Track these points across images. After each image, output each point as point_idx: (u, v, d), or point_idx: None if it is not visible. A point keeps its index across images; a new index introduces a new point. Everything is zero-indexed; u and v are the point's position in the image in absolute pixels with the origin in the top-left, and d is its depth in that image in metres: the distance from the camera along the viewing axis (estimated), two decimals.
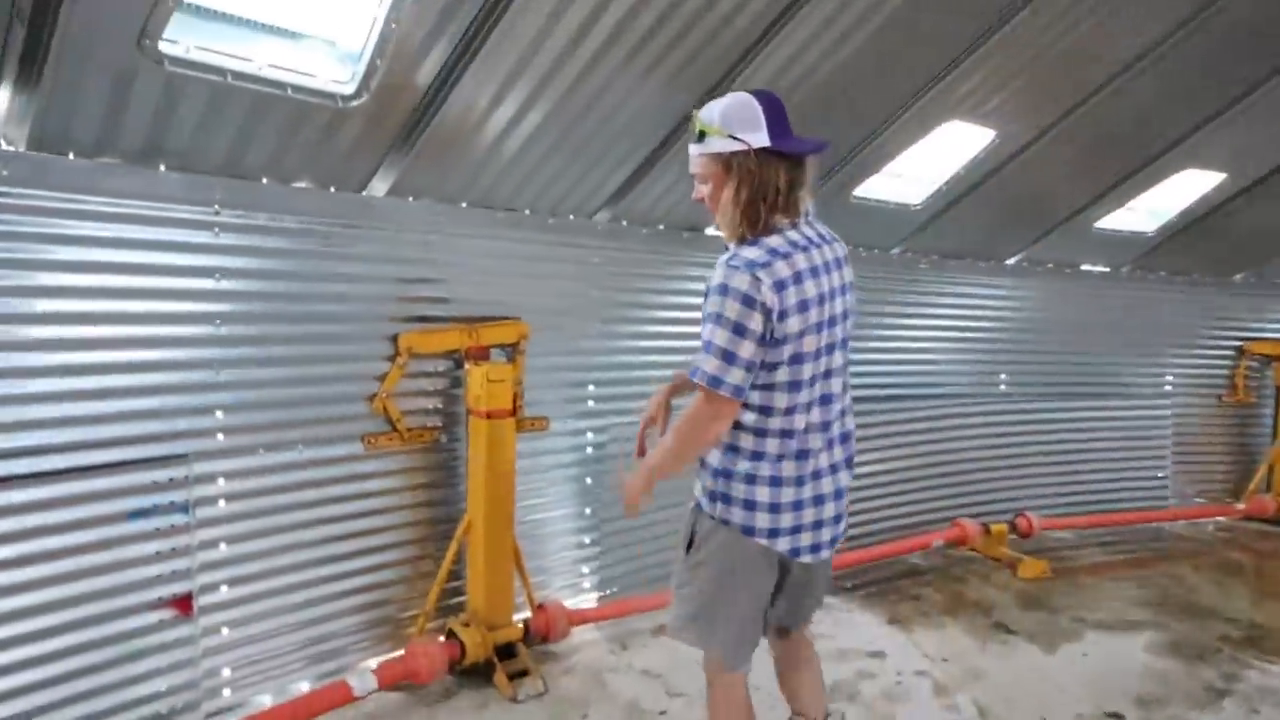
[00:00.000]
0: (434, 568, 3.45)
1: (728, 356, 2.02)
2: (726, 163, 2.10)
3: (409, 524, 3.43)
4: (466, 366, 3.38)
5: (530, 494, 3.75)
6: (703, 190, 2.19)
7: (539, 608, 3.53)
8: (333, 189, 3.12)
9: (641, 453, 2.35)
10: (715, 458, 2.18)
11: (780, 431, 2.12)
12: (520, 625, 3.45)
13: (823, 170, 3.94)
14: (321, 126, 2.87)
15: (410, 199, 3.30)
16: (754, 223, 2.10)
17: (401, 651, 3.24)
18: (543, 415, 3.73)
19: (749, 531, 2.16)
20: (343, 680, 2.98)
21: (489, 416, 3.29)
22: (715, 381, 2.03)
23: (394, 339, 3.25)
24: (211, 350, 2.88)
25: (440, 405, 3.47)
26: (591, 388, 3.96)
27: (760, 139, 2.07)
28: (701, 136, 2.13)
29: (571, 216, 3.81)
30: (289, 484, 3.09)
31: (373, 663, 3.19)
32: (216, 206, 2.85)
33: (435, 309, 3.40)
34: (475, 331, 3.41)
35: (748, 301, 2.00)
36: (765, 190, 2.09)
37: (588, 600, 3.96)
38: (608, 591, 3.99)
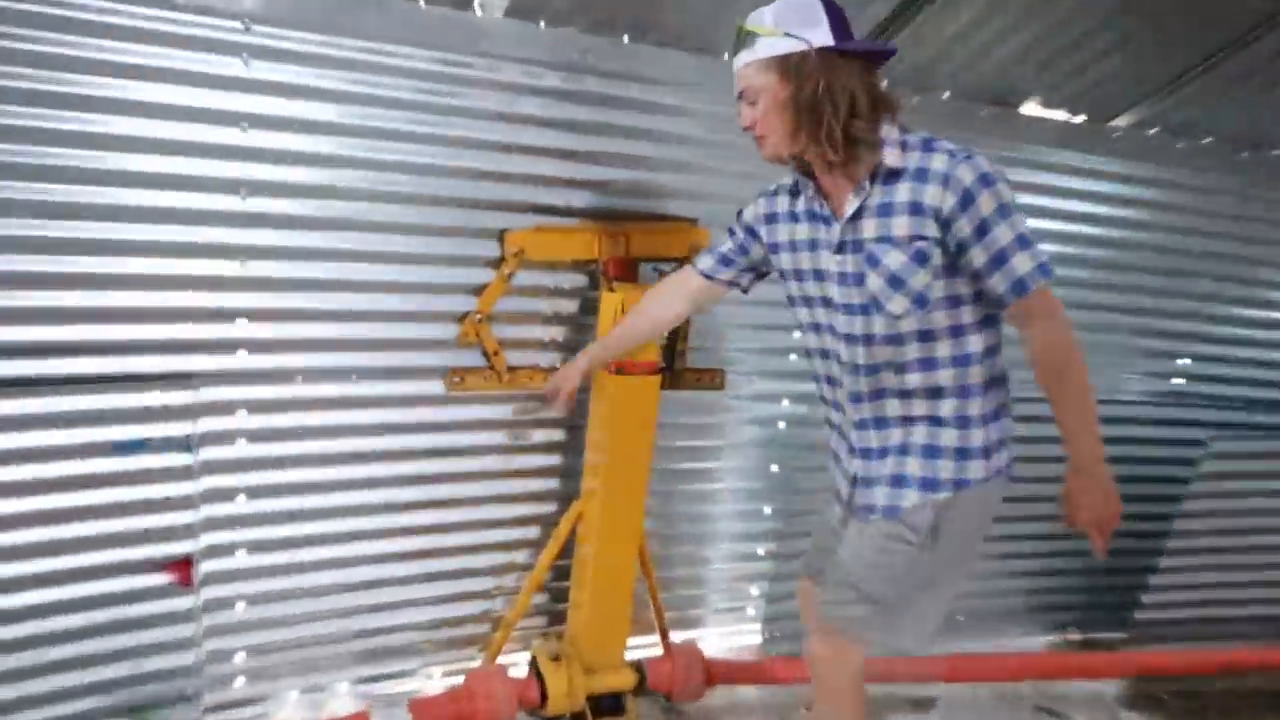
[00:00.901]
0: (531, 562, 2.51)
1: (1025, 240, 1.61)
2: (783, 67, 1.66)
3: (501, 498, 2.48)
4: (601, 288, 2.30)
5: (680, 479, 2.67)
6: (750, 114, 1.72)
7: (668, 649, 2.51)
8: (423, 2, 2.03)
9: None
10: (950, 406, 1.69)
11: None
12: (635, 670, 2.43)
13: None
14: None
15: (542, 23, 2.12)
16: (820, 139, 1.63)
17: (460, 678, 2.34)
18: (717, 368, 2.57)
19: (1007, 470, 1.78)
20: (364, 713, 2.22)
21: (620, 370, 2.19)
22: (1046, 270, 1.62)
23: (500, 236, 2.22)
24: (233, 231, 1.99)
25: (565, 337, 2.42)
26: (798, 335, 2.56)
27: (823, 36, 1.65)
28: (750, 40, 1.69)
29: None
30: (336, 427, 2.23)
31: (427, 676, 2.45)
32: (245, 20, 1.86)
33: (567, 195, 2.28)
34: (622, 235, 2.28)
35: (1004, 179, 1.62)
36: (835, 95, 1.63)
37: (749, 638, 2.87)
38: (777, 633, 2.85)
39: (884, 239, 1.65)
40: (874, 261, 1.66)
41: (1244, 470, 2.97)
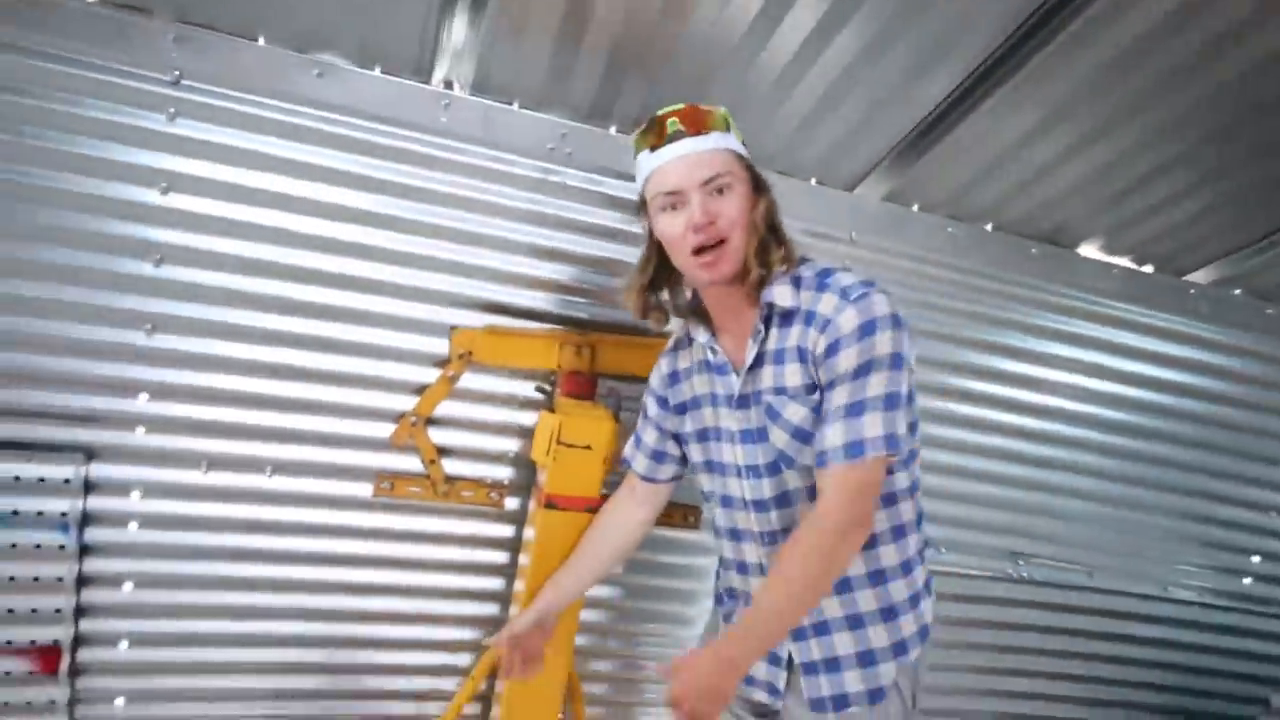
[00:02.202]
0: (457, 691, 2.10)
1: (891, 402, 1.33)
2: (752, 171, 1.46)
3: (432, 619, 2.08)
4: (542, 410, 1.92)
5: (637, 640, 2.24)
6: (714, 209, 1.38)
7: None
8: (377, 69, 1.75)
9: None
10: (890, 554, 1.44)
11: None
12: None
13: None
14: None
15: (516, 104, 1.82)
16: (766, 259, 1.43)
17: None
18: (691, 504, 2.14)
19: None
20: None
21: (552, 504, 1.82)
22: (892, 442, 1.33)
23: (450, 333, 1.91)
24: (143, 299, 1.71)
25: (519, 451, 2.03)
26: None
27: None
28: (727, 126, 1.44)
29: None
30: (247, 521, 1.89)
31: None
32: (176, 73, 1.63)
33: (528, 296, 1.93)
34: (586, 346, 1.93)
35: (896, 324, 1.36)
36: (775, 214, 1.47)
37: None
38: None
39: (780, 390, 1.41)
40: (773, 415, 1.42)
41: None
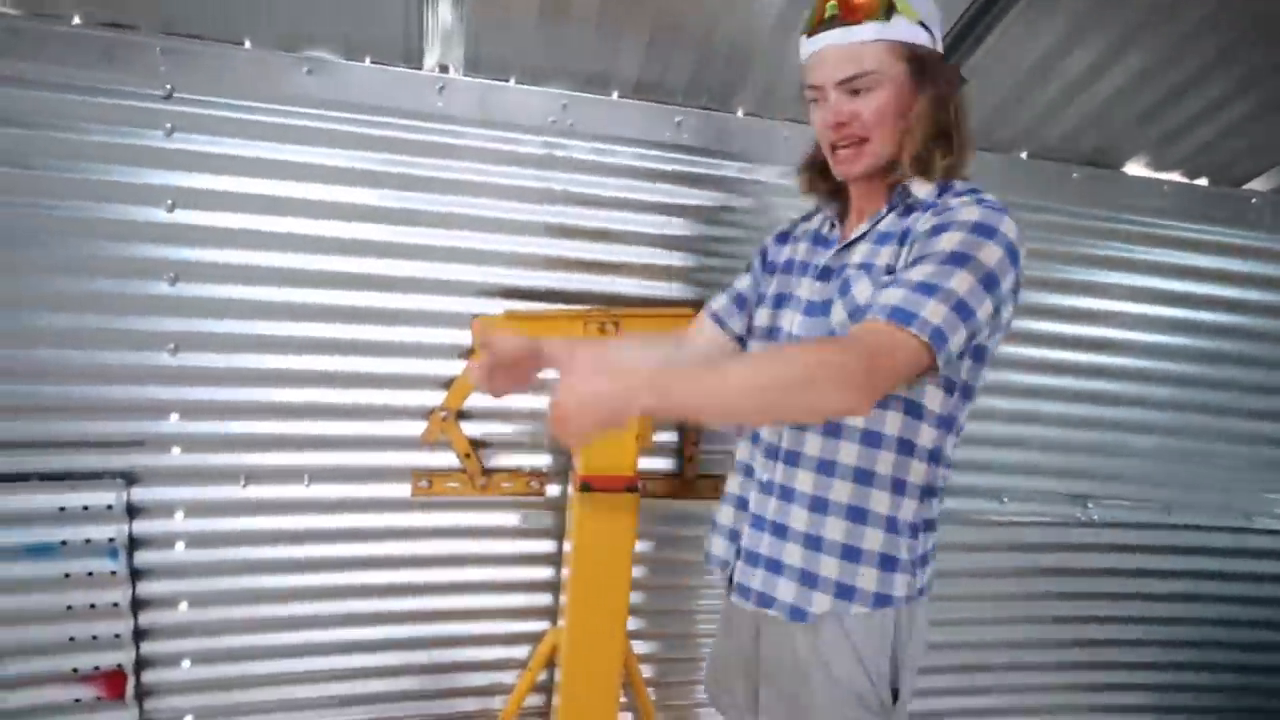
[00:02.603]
0: (514, 685, 2.06)
1: (963, 310, 1.09)
2: (920, 62, 1.21)
3: (482, 613, 2.03)
4: None
5: (688, 616, 2.14)
6: (854, 107, 1.21)
7: None
8: (367, 59, 1.69)
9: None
10: (905, 507, 1.23)
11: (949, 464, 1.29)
12: None
13: None
14: None
15: (512, 80, 1.74)
16: (945, 158, 1.22)
17: None
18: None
19: (928, 589, 1.31)
20: None
21: (587, 486, 1.75)
22: (938, 336, 1.07)
23: (471, 323, 1.84)
24: (163, 319, 1.69)
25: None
26: None
27: (939, 42, 1.24)
28: (887, 11, 1.19)
29: None
30: (289, 532, 1.85)
31: None
32: (168, 87, 1.59)
33: (550, 278, 1.84)
34: (610, 323, 1.84)
35: (1012, 255, 1.13)
36: (961, 115, 1.23)
37: None
38: None
39: (863, 265, 1.24)
40: (844, 290, 1.24)
41: None
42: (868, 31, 1.18)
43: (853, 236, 1.28)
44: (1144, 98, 1.83)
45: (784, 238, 1.46)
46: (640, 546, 1.98)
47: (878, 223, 1.25)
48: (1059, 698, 2.41)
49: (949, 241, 1.11)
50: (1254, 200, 2.09)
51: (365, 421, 1.84)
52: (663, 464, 2.01)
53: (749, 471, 1.35)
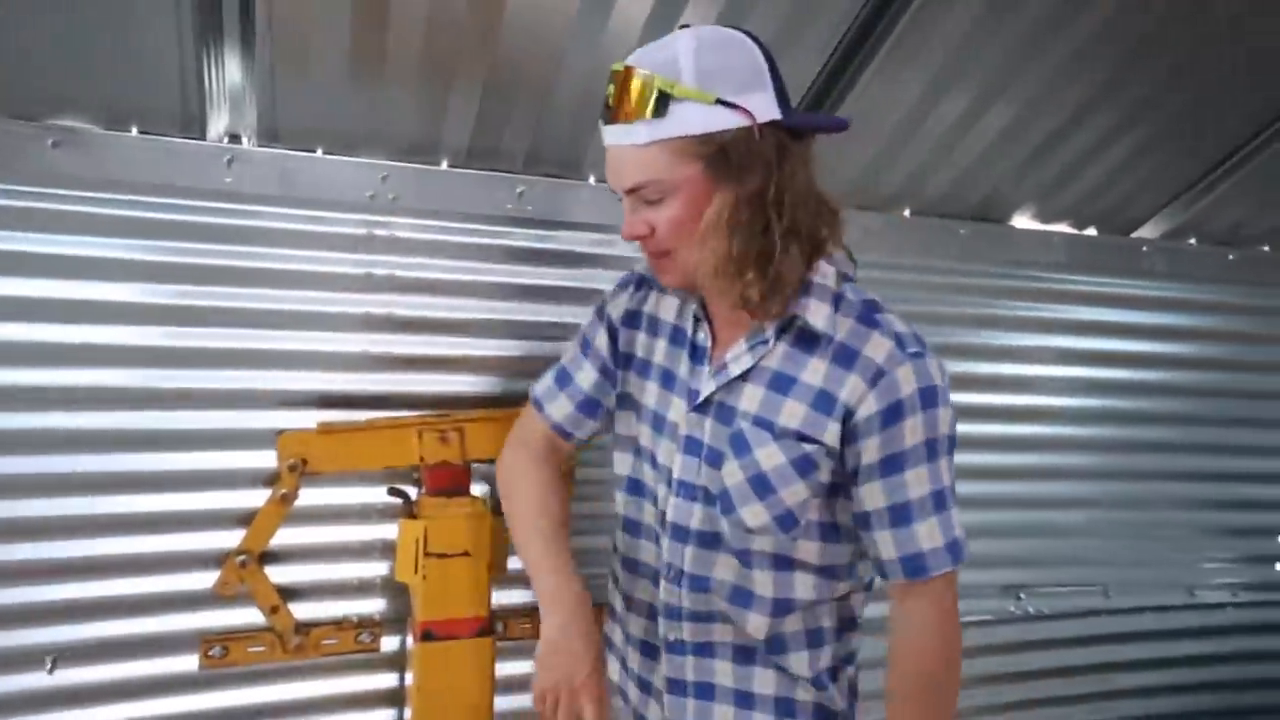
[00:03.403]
0: None
1: (953, 496, 1.08)
2: (714, 153, 0.98)
3: None
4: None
5: None
6: (647, 219, 1.02)
7: None
8: (134, 129, 1.37)
9: None
10: (808, 662, 1.11)
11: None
12: None
13: None
14: None
15: (319, 151, 1.46)
16: (752, 265, 1.00)
17: None
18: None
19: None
20: None
21: (427, 635, 1.34)
22: (959, 553, 1.06)
23: (275, 440, 1.45)
24: None
25: (387, 574, 1.55)
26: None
27: (767, 104, 0.99)
28: (660, 106, 0.96)
29: None
30: None
31: None
32: None
33: (375, 379, 1.50)
34: (453, 431, 1.48)
35: (948, 400, 1.07)
36: (784, 200, 1.00)
37: None
38: None
39: (763, 422, 1.05)
40: (740, 447, 1.06)
41: None
42: (640, 133, 0.98)
43: (729, 359, 1.07)
44: (1020, 146, 1.70)
45: (632, 319, 1.21)
46: (503, 702, 1.53)
47: (762, 355, 1.05)
48: None
49: (913, 433, 1.01)
50: (1145, 249, 1.97)
51: (134, 578, 1.40)
52: (522, 596, 1.60)
53: (672, 613, 1.13)
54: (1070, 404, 1.98)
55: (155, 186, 1.40)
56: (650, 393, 1.17)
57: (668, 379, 1.14)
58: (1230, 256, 2.04)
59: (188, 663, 1.43)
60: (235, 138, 1.44)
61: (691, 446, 1.10)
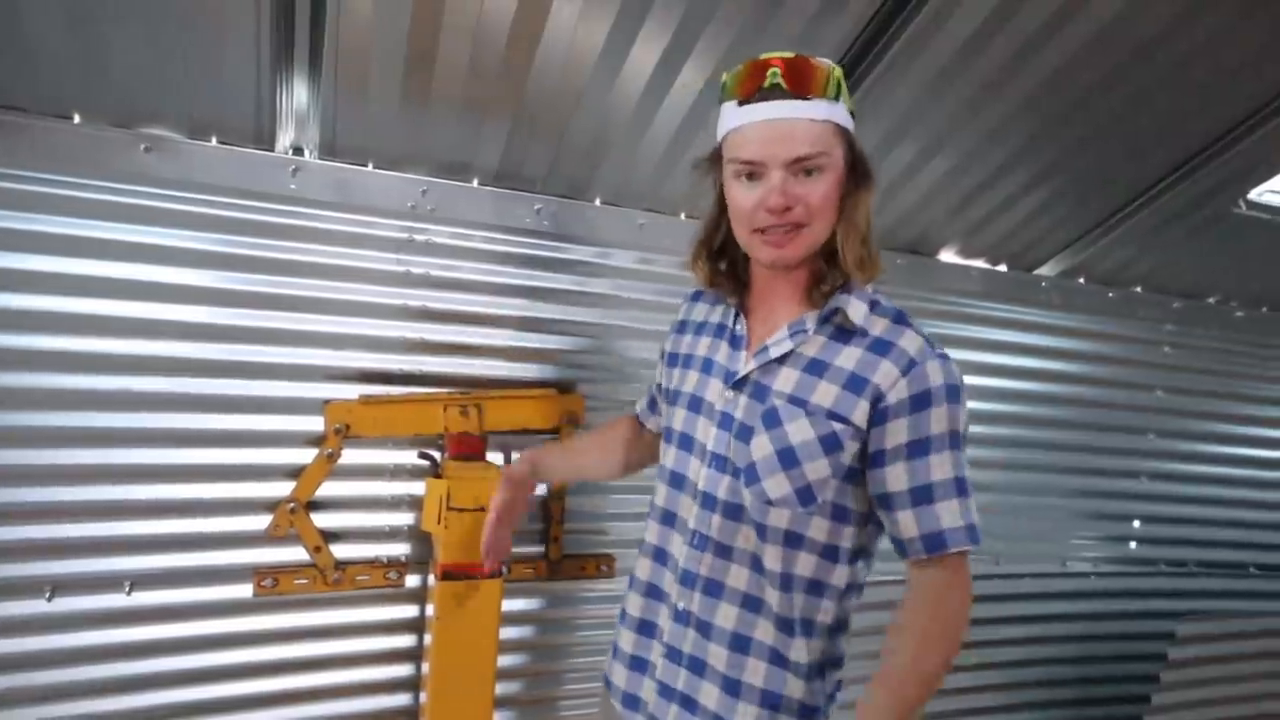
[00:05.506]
0: None
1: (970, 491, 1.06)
2: (851, 145, 1.06)
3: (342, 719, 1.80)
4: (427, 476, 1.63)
5: (554, 706, 1.91)
6: (803, 191, 1.02)
7: None
8: (214, 139, 1.49)
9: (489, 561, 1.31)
10: (806, 650, 1.08)
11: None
12: None
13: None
14: None
15: (371, 165, 1.59)
16: (851, 245, 1.06)
17: None
18: (604, 553, 1.90)
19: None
20: None
21: (447, 575, 1.53)
22: (976, 535, 1.04)
23: (323, 408, 1.63)
24: None
25: (412, 524, 1.73)
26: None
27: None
28: (837, 91, 1.03)
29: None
30: (104, 648, 1.50)
31: None
32: None
33: (408, 360, 1.66)
34: (472, 406, 1.68)
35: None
36: (869, 202, 1.08)
37: None
38: None
39: (796, 400, 1.06)
40: (772, 421, 1.06)
41: (1214, 654, 2.31)
42: (818, 109, 1.01)
43: (770, 343, 1.10)
44: (954, 193, 1.91)
45: (681, 327, 1.28)
46: (505, 632, 1.75)
47: (801, 341, 1.08)
48: None
49: (939, 422, 1.02)
50: (1044, 284, 2.21)
51: (201, 518, 1.56)
52: (527, 547, 1.81)
53: (656, 594, 1.17)
54: (976, 407, 2.20)
55: (229, 189, 1.53)
56: (690, 380, 1.19)
57: (707, 366, 1.17)
58: (1110, 294, 2.29)
59: (243, 591, 1.60)
60: (299, 150, 1.58)
61: (725, 422, 1.11)
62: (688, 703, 1.11)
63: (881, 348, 1.04)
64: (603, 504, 1.87)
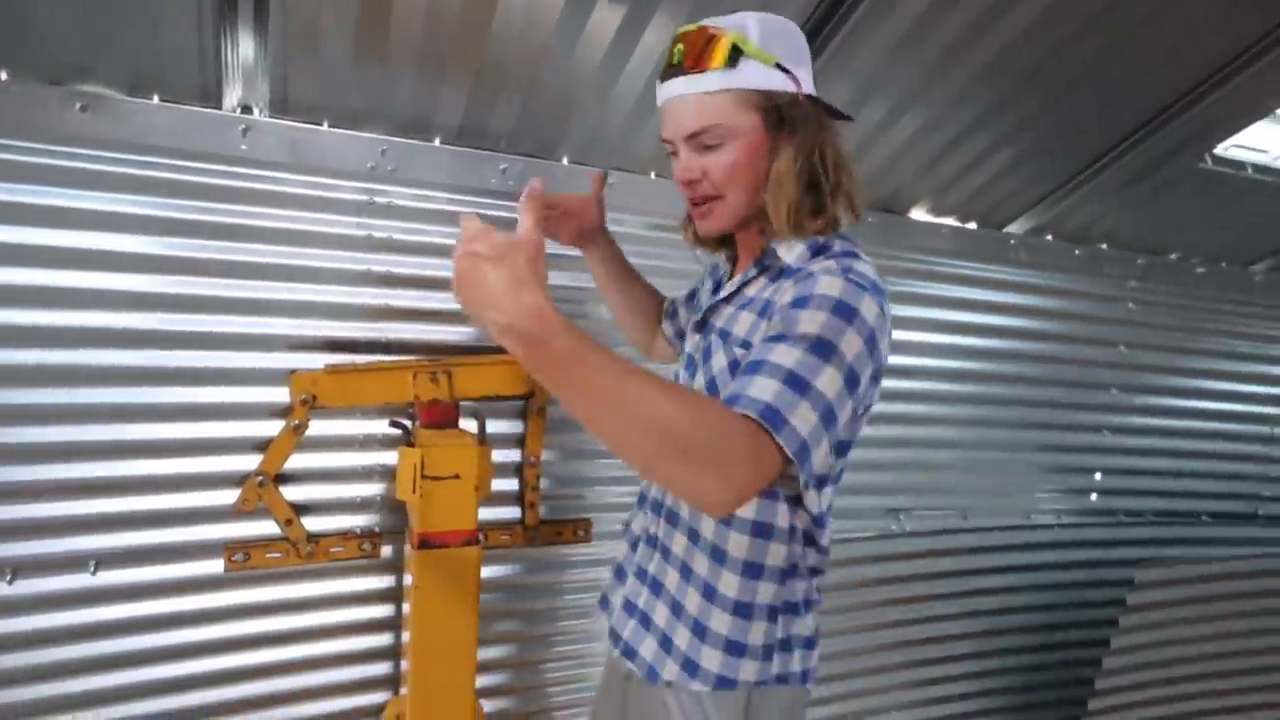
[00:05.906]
0: None
1: (829, 420, 0.90)
2: (776, 111, 1.02)
3: (316, 692, 1.68)
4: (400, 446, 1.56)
5: (536, 670, 1.89)
6: (703, 163, 1.04)
7: None
8: (155, 97, 1.38)
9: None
10: (762, 590, 1.08)
11: (822, 548, 1.13)
12: None
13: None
14: None
15: (325, 124, 1.51)
16: (817, 215, 1.05)
17: None
18: (581, 518, 1.89)
19: (807, 678, 1.13)
20: None
21: (425, 543, 1.48)
22: (804, 453, 0.87)
23: (288, 379, 1.55)
24: None
25: (385, 494, 1.68)
26: None
27: (808, 82, 1.05)
28: (732, 58, 1.00)
29: None
30: (70, 629, 1.44)
31: None
32: None
33: (373, 328, 1.59)
34: (442, 373, 1.63)
35: (871, 343, 0.95)
36: (830, 162, 1.04)
37: None
38: None
39: (724, 333, 1.10)
40: (706, 355, 1.12)
41: (1169, 598, 2.38)
42: (712, 81, 1.00)
43: (727, 290, 1.13)
44: (923, 151, 1.87)
45: (711, 271, 1.30)
46: (484, 598, 1.72)
47: (745, 284, 1.11)
48: (897, 696, 2.36)
49: (811, 322, 0.92)
50: (1012, 241, 2.20)
51: (164, 494, 1.49)
52: (504, 513, 1.77)
53: (655, 507, 1.20)
54: (944, 365, 2.22)
55: (174, 150, 1.43)
56: (682, 320, 1.35)
57: (697, 311, 1.21)
58: (1077, 251, 2.30)
59: (213, 566, 1.54)
60: (247, 109, 1.48)
61: (687, 361, 1.19)
62: (645, 620, 1.17)
63: (796, 274, 1.02)
64: (580, 469, 1.84)
